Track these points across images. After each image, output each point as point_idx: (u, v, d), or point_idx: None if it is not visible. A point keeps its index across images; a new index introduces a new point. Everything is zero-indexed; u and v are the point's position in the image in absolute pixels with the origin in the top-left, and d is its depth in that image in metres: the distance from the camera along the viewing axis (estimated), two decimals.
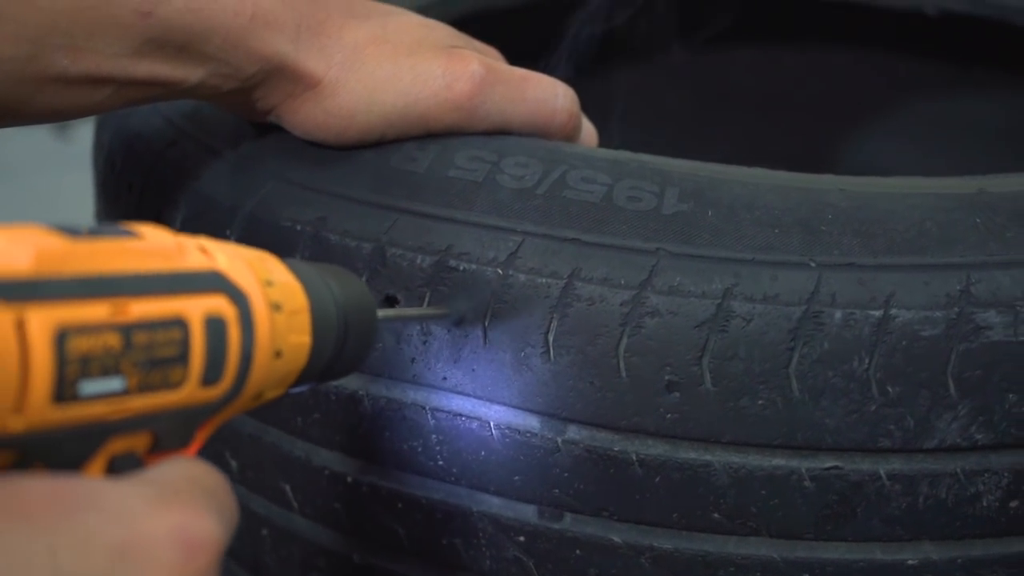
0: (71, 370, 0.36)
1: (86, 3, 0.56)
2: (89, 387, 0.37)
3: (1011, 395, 0.55)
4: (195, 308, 0.41)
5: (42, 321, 0.35)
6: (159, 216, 0.69)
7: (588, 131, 0.73)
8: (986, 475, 0.56)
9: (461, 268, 0.59)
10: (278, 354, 0.46)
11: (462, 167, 0.62)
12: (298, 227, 0.62)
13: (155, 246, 0.41)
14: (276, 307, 0.45)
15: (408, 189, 0.62)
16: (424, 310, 0.58)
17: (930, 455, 0.56)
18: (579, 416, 0.58)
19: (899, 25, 1.09)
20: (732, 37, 1.13)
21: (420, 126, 0.65)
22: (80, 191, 1.13)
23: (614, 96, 1.08)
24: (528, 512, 0.60)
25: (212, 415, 0.44)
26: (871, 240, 0.57)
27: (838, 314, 0.55)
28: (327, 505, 0.64)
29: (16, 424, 0.35)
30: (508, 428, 0.59)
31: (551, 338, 0.57)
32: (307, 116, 0.64)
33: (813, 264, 0.56)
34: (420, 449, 0.61)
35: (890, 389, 0.55)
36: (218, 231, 0.64)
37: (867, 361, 0.55)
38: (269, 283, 0.45)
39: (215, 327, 0.42)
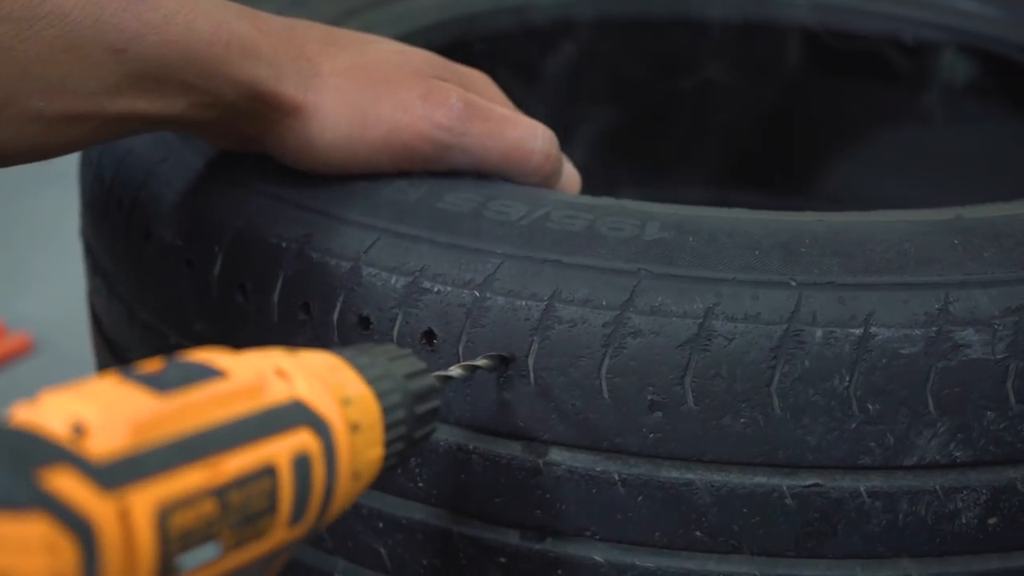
0: (173, 548, 0.36)
1: (59, 46, 0.55)
2: (188, 560, 0.37)
3: (989, 412, 0.55)
4: (283, 450, 0.41)
5: (144, 504, 0.35)
6: (149, 233, 0.69)
7: (572, 176, 0.73)
8: (965, 492, 0.56)
9: (436, 289, 0.59)
10: (356, 476, 0.46)
11: (450, 201, 0.63)
12: (283, 244, 0.62)
13: (240, 385, 0.41)
14: (355, 428, 0.45)
15: (393, 212, 0.62)
16: (469, 363, 0.57)
17: (910, 472, 0.56)
18: (561, 438, 0.58)
19: (876, 53, 1.10)
20: (710, 67, 1.14)
21: (401, 154, 0.65)
22: (61, 209, 1.13)
23: (590, 124, 1.09)
24: (509, 533, 0.60)
25: (291, 550, 0.44)
26: (850, 260, 0.58)
27: (819, 333, 0.55)
28: None
29: None
30: (489, 451, 0.59)
31: (532, 361, 0.57)
32: (292, 143, 0.64)
33: (794, 283, 0.57)
34: (400, 471, 0.61)
35: (870, 407, 0.55)
36: (207, 247, 0.65)
37: (847, 379, 0.55)
38: (347, 401, 0.45)
39: (302, 467, 0.42)
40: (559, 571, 0.59)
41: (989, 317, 0.56)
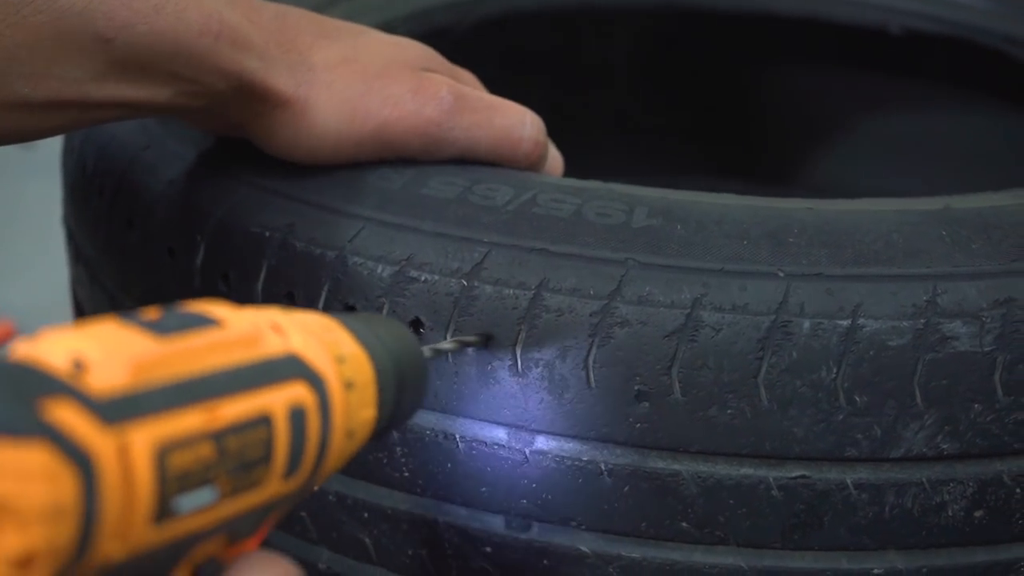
0: (171, 488, 0.36)
1: (46, 32, 0.55)
2: (186, 502, 0.37)
3: (976, 405, 0.55)
4: (279, 401, 0.41)
5: (144, 441, 0.35)
6: (131, 221, 0.68)
7: (555, 159, 0.73)
8: (952, 485, 0.56)
9: (423, 279, 0.59)
10: (350, 435, 0.46)
11: (435, 187, 0.63)
12: (267, 233, 0.62)
13: (237, 335, 0.41)
14: (349, 385, 0.45)
15: (378, 200, 0.62)
16: (458, 339, 0.57)
17: (896, 464, 0.56)
18: (548, 428, 0.58)
19: (862, 43, 1.09)
20: (696, 55, 1.14)
21: (389, 148, 0.65)
22: (45, 198, 1.12)
23: (578, 114, 1.09)
24: (495, 523, 0.60)
25: (285, 505, 0.44)
26: (839, 251, 0.58)
27: (806, 324, 0.55)
28: (294, 513, 0.64)
29: (119, 552, 0.35)
30: (475, 441, 0.59)
31: (519, 350, 0.57)
32: (277, 134, 0.64)
33: (781, 274, 0.56)
34: (385, 461, 0.61)
35: (857, 398, 0.55)
36: (190, 236, 0.64)
37: (835, 371, 0.55)
38: (341, 359, 0.45)
39: (297, 419, 0.42)
40: (545, 561, 0.59)
41: (977, 309, 0.56)
